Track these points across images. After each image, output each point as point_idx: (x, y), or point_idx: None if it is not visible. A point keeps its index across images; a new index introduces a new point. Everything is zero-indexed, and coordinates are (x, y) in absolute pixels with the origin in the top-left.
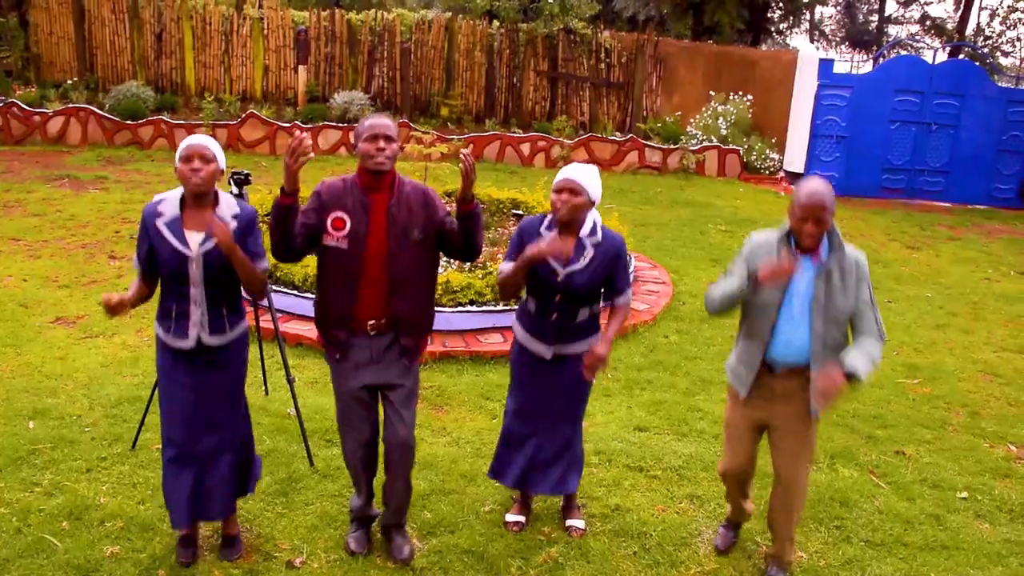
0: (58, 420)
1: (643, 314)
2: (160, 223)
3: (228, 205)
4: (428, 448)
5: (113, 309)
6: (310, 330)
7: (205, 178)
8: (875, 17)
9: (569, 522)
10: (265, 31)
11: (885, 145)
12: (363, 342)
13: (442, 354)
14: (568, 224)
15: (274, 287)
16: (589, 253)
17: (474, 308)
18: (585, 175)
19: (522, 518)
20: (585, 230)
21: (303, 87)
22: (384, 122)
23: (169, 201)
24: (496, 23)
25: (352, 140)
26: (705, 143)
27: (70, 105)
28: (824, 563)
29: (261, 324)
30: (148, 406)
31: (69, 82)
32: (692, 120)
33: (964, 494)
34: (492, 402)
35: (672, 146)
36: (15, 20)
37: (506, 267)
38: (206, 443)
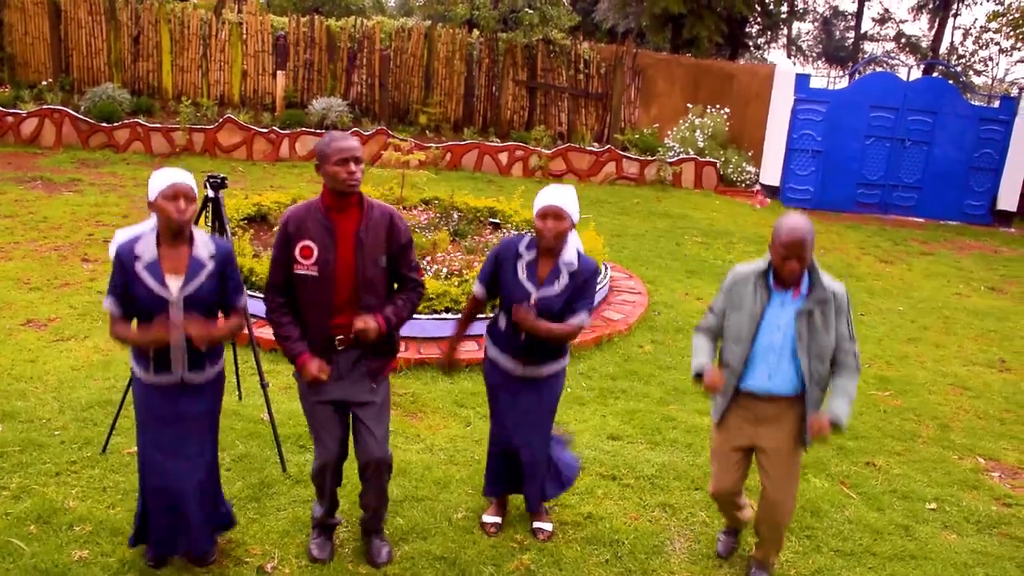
0: (27, 423)
1: (618, 324)
2: (139, 267)
3: (204, 244)
4: (401, 455)
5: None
6: None
7: (189, 218)
8: (851, 34)
9: (536, 524)
10: (244, 36)
11: (860, 160)
12: (331, 358)
13: (416, 361)
14: (552, 249)
15: (249, 292)
16: (564, 280)
17: (449, 316)
18: (566, 199)
19: (499, 519)
20: (566, 256)
21: (281, 92)
22: (354, 144)
23: (145, 241)
24: (476, 32)
25: (316, 159)
26: (682, 155)
27: (45, 106)
28: (794, 572)
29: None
30: (119, 410)
31: (44, 83)
32: (670, 132)
33: (933, 505)
34: (466, 409)
35: (649, 158)
36: None
37: (477, 292)
38: (185, 474)
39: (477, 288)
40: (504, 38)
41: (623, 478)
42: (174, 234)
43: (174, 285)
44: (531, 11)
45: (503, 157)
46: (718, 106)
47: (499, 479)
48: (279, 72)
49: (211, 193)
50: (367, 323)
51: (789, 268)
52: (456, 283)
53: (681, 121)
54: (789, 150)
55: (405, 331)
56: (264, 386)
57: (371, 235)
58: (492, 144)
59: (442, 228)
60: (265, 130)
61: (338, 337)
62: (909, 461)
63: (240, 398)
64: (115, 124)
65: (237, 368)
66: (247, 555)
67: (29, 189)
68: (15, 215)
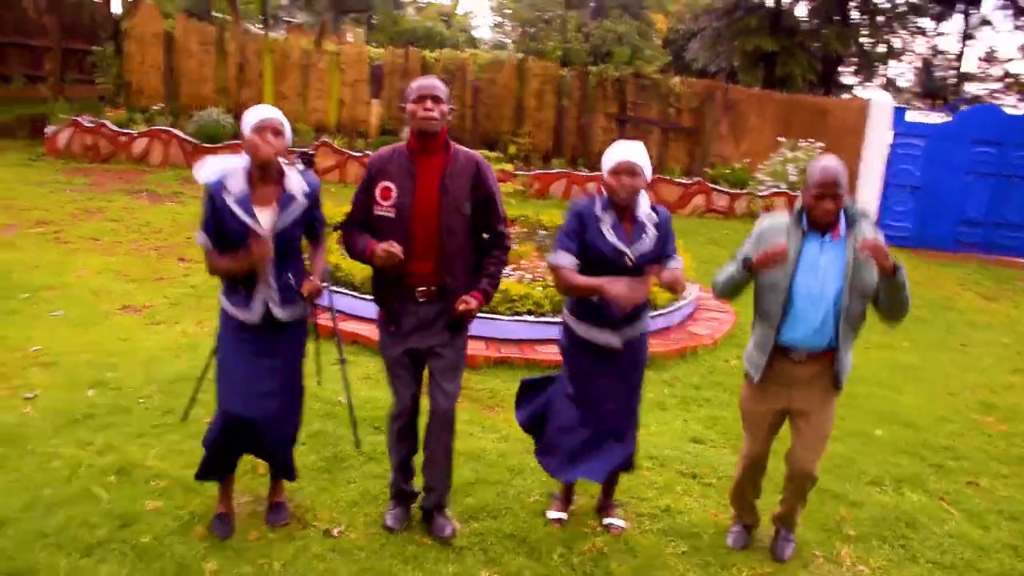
0: (116, 391)
1: (703, 338)
2: (229, 200)
3: (296, 181)
4: (476, 442)
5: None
6: (367, 330)
7: (277, 152)
8: (952, 73)
9: (607, 520)
10: (342, 66)
11: (961, 197)
12: (411, 308)
13: (497, 360)
14: (625, 207)
15: (333, 287)
16: (651, 232)
17: (531, 318)
18: (640, 154)
19: (563, 515)
20: (643, 210)
21: (376, 120)
22: (432, 83)
23: (234, 175)
24: (566, 70)
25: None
26: (773, 189)
27: (154, 128)
28: None
29: (318, 322)
30: (200, 382)
31: (155, 108)
32: (761, 166)
33: None
34: None
35: (740, 191)
36: (111, 49)
37: (567, 261)
38: (261, 413)
39: (565, 259)
40: (595, 71)
41: (704, 477)
42: (262, 168)
43: (265, 218)
44: (623, 46)
45: (591, 187)
46: (811, 140)
47: (576, 463)
48: (374, 100)
49: (301, 166)
50: (469, 304)
51: (824, 208)
52: (540, 287)
53: (772, 155)
54: (886, 185)
55: (486, 332)
56: (343, 362)
57: (455, 181)
58: (580, 174)
59: (527, 242)
60: (358, 154)
61: (419, 288)
62: (1017, 484)
63: (319, 383)
64: (217, 145)
65: (318, 356)
66: (315, 519)
67: (135, 199)
68: (121, 220)
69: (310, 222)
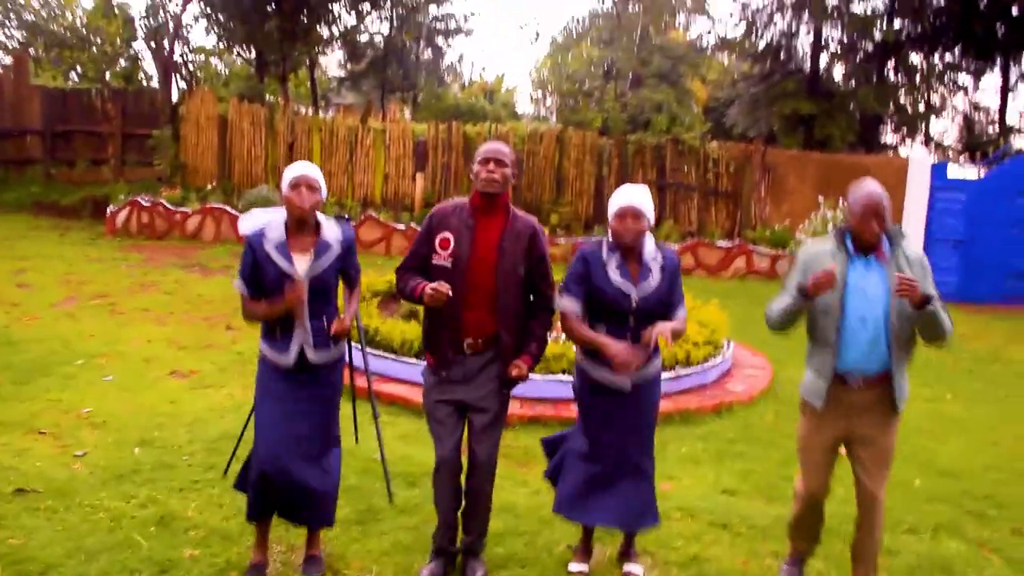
0: (161, 449)
1: (740, 395)
2: (268, 246)
3: (331, 230)
4: (508, 496)
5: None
6: (407, 391)
7: (312, 206)
8: (992, 128)
9: (627, 567)
10: (387, 142)
11: (1008, 249)
12: (459, 359)
13: (530, 418)
14: (631, 248)
15: (372, 351)
16: (656, 274)
17: (565, 377)
18: (644, 198)
19: (585, 567)
20: (649, 251)
21: (420, 194)
22: (497, 147)
23: (273, 226)
24: (605, 139)
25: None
26: None
27: (207, 205)
28: None
29: (356, 384)
30: (240, 438)
31: (209, 187)
32: (801, 226)
33: None
34: None
35: (781, 251)
36: (169, 133)
37: (572, 306)
38: (295, 458)
39: (570, 304)
40: (633, 139)
41: (735, 527)
42: (299, 221)
43: (301, 264)
44: (661, 114)
45: None
46: None
47: (591, 503)
48: (418, 174)
49: None
50: (521, 369)
51: (871, 229)
52: (575, 348)
53: (812, 215)
54: (929, 241)
55: (520, 391)
56: (375, 416)
57: (513, 243)
58: None
59: None
60: (402, 227)
61: (467, 341)
62: None
63: (356, 441)
64: None
65: (355, 416)
66: (346, 567)
67: (188, 273)
68: (174, 292)
69: (346, 269)
